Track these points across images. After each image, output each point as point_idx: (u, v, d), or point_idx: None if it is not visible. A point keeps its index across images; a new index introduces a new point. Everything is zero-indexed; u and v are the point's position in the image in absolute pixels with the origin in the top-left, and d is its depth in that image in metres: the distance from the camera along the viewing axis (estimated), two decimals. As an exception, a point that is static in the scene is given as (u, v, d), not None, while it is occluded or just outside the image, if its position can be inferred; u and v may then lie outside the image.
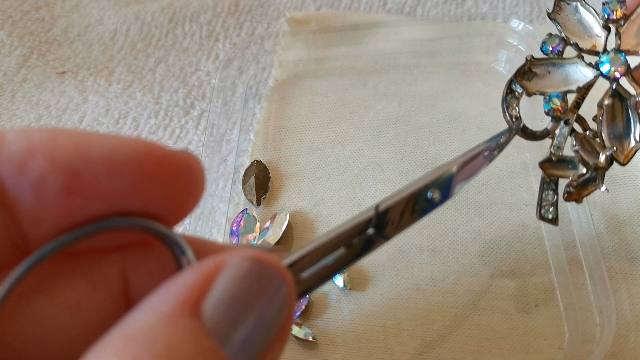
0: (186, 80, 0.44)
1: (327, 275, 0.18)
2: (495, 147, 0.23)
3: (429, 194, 0.20)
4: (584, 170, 0.26)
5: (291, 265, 0.17)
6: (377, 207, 0.19)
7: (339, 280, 0.31)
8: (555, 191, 0.26)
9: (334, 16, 0.46)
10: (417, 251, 0.32)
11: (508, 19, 0.38)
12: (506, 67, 0.40)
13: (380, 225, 0.19)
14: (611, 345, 0.26)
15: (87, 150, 0.14)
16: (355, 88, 0.41)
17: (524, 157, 0.35)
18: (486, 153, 0.23)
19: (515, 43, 0.38)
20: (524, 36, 0.38)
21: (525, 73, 0.27)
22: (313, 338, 0.30)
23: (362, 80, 0.41)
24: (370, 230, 0.19)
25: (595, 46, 0.27)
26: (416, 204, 0.20)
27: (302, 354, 0.30)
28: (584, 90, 0.26)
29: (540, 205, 0.27)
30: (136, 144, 0.15)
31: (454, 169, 0.21)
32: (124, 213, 0.15)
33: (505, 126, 0.27)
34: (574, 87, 0.26)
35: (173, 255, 0.16)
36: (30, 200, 0.14)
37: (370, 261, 0.32)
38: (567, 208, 0.31)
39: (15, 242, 0.15)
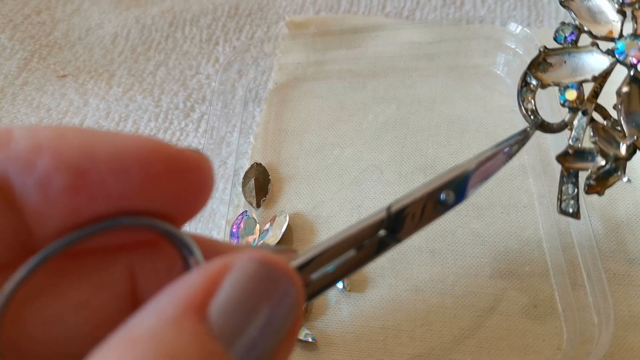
0: (186, 83, 0.44)
1: (336, 277, 0.17)
2: (514, 144, 0.23)
3: (442, 196, 0.20)
4: (603, 162, 0.24)
5: (300, 267, 0.17)
6: (389, 208, 0.18)
7: (338, 281, 0.31)
8: (576, 184, 0.25)
9: (333, 20, 0.47)
10: (416, 253, 0.32)
11: (506, 22, 0.39)
12: (504, 70, 0.40)
13: (392, 227, 0.18)
14: (609, 345, 0.26)
15: (94, 148, 0.14)
16: (354, 91, 0.41)
17: (522, 159, 0.35)
18: (506, 149, 0.22)
19: (513, 46, 0.39)
20: (521, 39, 0.38)
21: (540, 64, 0.26)
22: (312, 339, 0.30)
23: (361, 83, 0.41)
24: (382, 232, 0.18)
25: (611, 32, 0.26)
26: (429, 206, 0.19)
27: (302, 354, 0.30)
28: (601, 79, 0.25)
29: (560, 200, 0.25)
30: (144, 142, 0.15)
31: (470, 169, 0.21)
32: (132, 212, 0.15)
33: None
34: (589, 77, 0.25)
35: (181, 255, 0.16)
36: (36, 199, 0.14)
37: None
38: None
39: (21, 241, 0.15)
